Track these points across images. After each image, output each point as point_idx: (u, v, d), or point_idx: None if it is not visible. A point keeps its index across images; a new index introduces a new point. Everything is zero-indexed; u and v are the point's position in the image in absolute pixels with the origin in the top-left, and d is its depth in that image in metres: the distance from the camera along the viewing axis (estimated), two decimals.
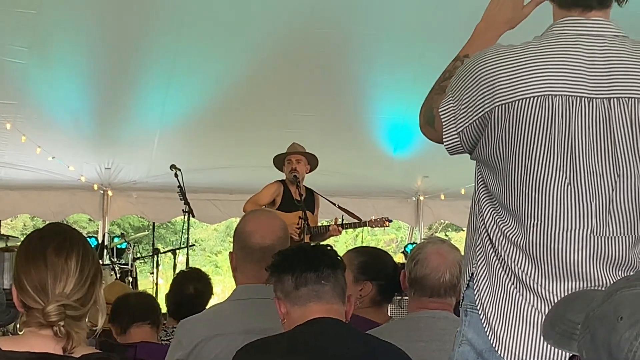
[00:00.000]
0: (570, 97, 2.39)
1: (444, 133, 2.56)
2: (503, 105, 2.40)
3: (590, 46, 2.44)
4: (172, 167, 9.40)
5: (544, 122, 2.39)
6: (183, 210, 9.57)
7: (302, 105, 10.52)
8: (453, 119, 2.53)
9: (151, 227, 13.16)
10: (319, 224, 8.97)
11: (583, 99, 2.39)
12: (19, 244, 7.87)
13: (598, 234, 2.40)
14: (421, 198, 12.62)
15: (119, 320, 4.77)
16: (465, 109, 2.49)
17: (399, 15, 9.25)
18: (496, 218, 2.50)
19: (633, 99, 2.40)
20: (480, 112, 2.45)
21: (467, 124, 2.50)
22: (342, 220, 8.66)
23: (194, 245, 14.11)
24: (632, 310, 1.48)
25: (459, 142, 2.55)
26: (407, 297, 4.00)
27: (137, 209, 12.30)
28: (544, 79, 2.39)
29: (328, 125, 10.65)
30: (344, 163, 10.89)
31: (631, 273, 2.40)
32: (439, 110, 2.58)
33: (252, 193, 8.81)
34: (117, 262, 11.21)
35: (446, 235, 22.55)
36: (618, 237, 2.41)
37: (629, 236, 2.42)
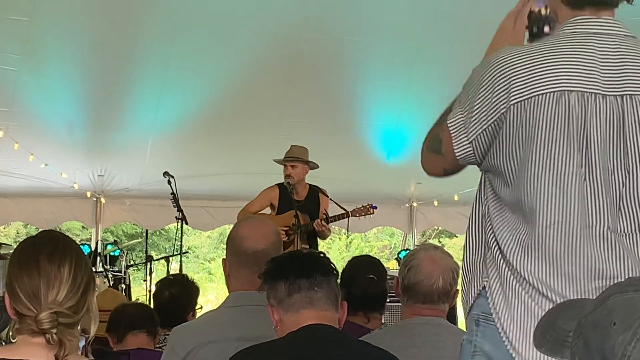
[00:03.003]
0: (585, 94, 2.42)
1: (454, 143, 2.55)
2: (519, 104, 2.41)
3: (602, 44, 2.48)
4: (165, 174, 9.39)
5: (560, 118, 2.41)
6: (176, 217, 9.56)
7: (295, 112, 10.53)
8: (464, 128, 2.53)
9: (144, 234, 13.13)
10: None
11: (597, 95, 2.42)
12: (11, 251, 7.85)
13: (614, 231, 2.42)
14: (414, 204, 12.63)
15: (115, 329, 4.78)
16: (477, 115, 2.49)
17: (392, 22, 9.27)
18: (508, 229, 2.49)
19: (625, 96, 2.44)
20: (495, 115, 2.45)
21: (480, 130, 2.49)
22: (326, 215, 8.60)
23: (187, 252, 14.12)
24: (625, 315, 1.48)
25: (471, 151, 2.53)
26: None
27: (130, 216, 12.29)
28: (559, 75, 2.42)
29: (321, 132, 10.65)
30: (337, 169, 10.89)
31: None
32: (448, 123, 2.58)
33: (245, 200, 8.81)
34: (110, 269, 11.20)
35: (439, 241, 22.58)
36: (627, 234, 2.43)
37: (636, 234, 2.44)
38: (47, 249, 2.49)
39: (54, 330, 2.38)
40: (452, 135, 2.55)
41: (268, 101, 10.41)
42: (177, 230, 9.82)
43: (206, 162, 11.10)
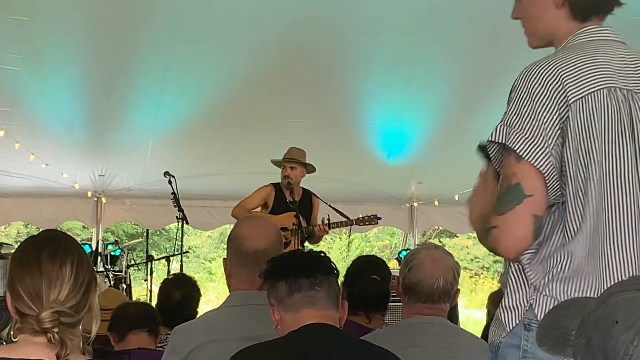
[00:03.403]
0: (627, 90, 2.49)
1: (538, 161, 2.39)
2: (577, 102, 2.42)
3: (615, 50, 2.56)
4: (166, 174, 9.39)
5: (615, 111, 2.45)
6: (177, 217, 9.57)
7: (295, 112, 10.53)
8: (534, 145, 2.40)
9: (145, 234, 13.14)
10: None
11: (634, 92, 2.50)
12: (12, 251, 7.86)
13: None
14: (415, 204, 12.62)
15: (117, 328, 4.79)
16: (541, 126, 2.41)
17: (393, 21, 9.27)
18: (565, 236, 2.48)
19: None
20: (559, 117, 2.42)
21: (552, 136, 2.42)
22: (329, 219, 8.63)
23: (187, 252, 14.12)
24: (628, 314, 1.48)
25: (552, 163, 2.42)
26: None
27: (130, 216, 12.29)
28: (602, 74, 2.47)
29: (321, 132, 10.65)
30: (338, 169, 10.89)
31: None
32: (518, 150, 2.40)
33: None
34: (111, 269, 11.20)
35: (440, 241, 22.59)
36: None
37: None
38: (49, 249, 2.49)
39: (56, 330, 2.38)
40: (529, 155, 2.40)
41: (268, 101, 10.41)
42: (177, 230, 9.82)
43: (207, 162, 11.10)
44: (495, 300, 6.89)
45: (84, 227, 19.07)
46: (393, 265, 10.57)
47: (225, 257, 3.74)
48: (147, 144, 10.73)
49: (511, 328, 2.46)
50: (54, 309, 2.38)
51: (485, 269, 26.28)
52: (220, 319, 3.58)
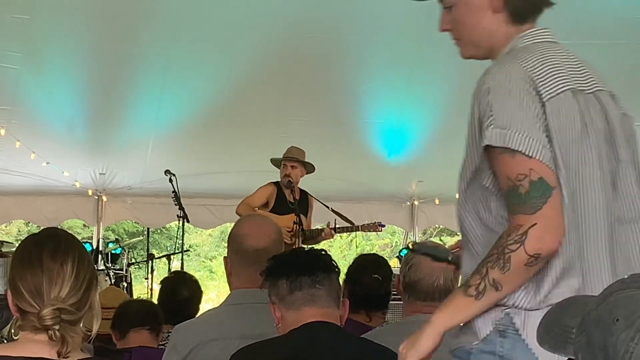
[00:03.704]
0: (582, 91, 2.50)
1: (544, 157, 2.34)
2: (550, 102, 2.41)
3: (560, 51, 2.56)
4: (167, 172, 9.39)
5: (579, 113, 2.45)
6: (178, 215, 9.56)
7: (296, 110, 10.53)
8: (539, 143, 2.35)
9: (146, 232, 13.14)
10: (312, 227, 8.99)
11: (586, 92, 2.51)
12: (13, 249, 7.86)
13: (617, 221, 2.50)
14: (416, 203, 12.62)
15: (119, 326, 4.79)
16: (535, 123, 2.38)
17: (392, 19, 9.27)
18: None
19: (606, 92, 2.57)
20: (543, 114, 2.40)
21: (544, 136, 2.37)
22: (335, 224, 8.67)
23: (188, 250, 14.10)
24: (628, 312, 1.48)
25: (553, 160, 2.38)
26: None
27: (131, 215, 12.28)
28: (563, 76, 2.47)
29: (322, 130, 10.65)
30: (338, 168, 10.90)
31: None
32: (524, 149, 2.34)
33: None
34: (112, 267, 11.21)
35: (441, 239, 22.53)
36: (627, 222, 2.52)
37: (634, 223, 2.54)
38: (50, 246, 2.49)
39: (57, 327, 2.38)
40: (536, 154, 2.34)
41: (269, 99, 10.41)
42: (178, 228, 9.82)
43: (207, 161, 11.10)
44: None
45: (84, 225, 19.08)
46: (394, 264, 10.57)
47: (226, 255, 3.75)
48: (148, 142, 10.74)
49: (485, 335, 2.42)
50: (55, 306, 2.38)
51: None
52: (221, 318, 3.58)
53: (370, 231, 9.23)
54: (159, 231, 22.94)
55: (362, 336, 3.42)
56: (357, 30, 9.55)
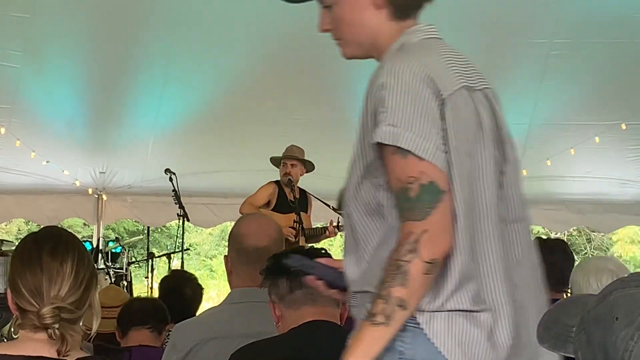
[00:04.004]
0: (471, 88, 2.43)
1: (436, 159, 2.27)
2: (448, 99, 2.33)
3: (447, 47, 2.51)
4: (167, 171, 9.39)
5: (474, 111, 2.40)
6: (178, 214, 9.57)
7: (296, 109, 10.52)
8: (432, 144, 2.27)
9: (146, 231, 13.14)
10: (314, 226, 9.00)
11: (473, 89, 2.44)
12: (13, 248, 7.86)
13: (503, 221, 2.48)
14: None
15: (121, 324, 4.80)
16: (430, 123, 2.29)
17: None
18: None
19: (490, 89, 2.51)
20: (440, 113, 2.31)
21: (440, 136, 2.31)
22: (338, 222, 8.68)
23: (188, 249, 14.10)
24: (628, 310, 1.49)
25: (446, 161, 2.30)
26: None
27: (131, 213, 12.28)
28: (456, 73, 2.41)
29: (322, 129, 10.64)
30: (338, 167, 10.79)
31: None
32: (415, 150, 2.25)
33: (247, 197, 8.81)
34: (112, 266, 11.21)
35: None
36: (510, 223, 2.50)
37: (517, 223, 2.53)
38: (50, 245, 2.50)
39: (56, 326, 2.39)
40: (428, 156, 2.27)
41: (269, 99, 10.40)
42: (178, 227, 9.83)
43: (208, 159, 11.10)
44: None
45: (84, 224, 19.05)
46: None
47: (227, 254, 3.75)
48: (148, 141, 10.73)
49: None
50: (54, 305, 2.39)
51: None
52: (221, 316, 3.58)
53: None
54: (159, 230, 22.92)
55: None
56: None
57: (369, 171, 2.40)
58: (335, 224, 8.69)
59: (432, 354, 2.27)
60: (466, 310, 2.30)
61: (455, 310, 2.29)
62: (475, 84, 2.45)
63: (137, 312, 4.82)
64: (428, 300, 2.27)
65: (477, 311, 2.31)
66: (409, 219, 2.24)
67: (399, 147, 2.26)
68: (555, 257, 4.97)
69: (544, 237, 7.34)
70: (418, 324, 2.28)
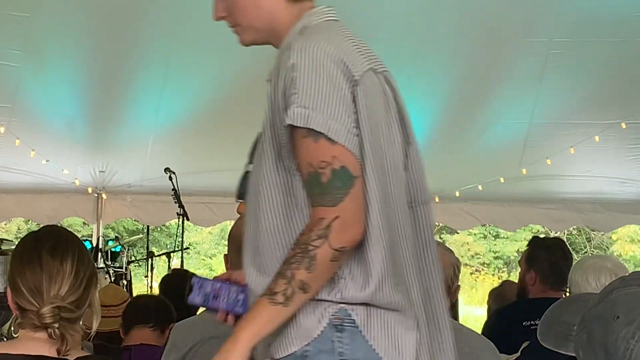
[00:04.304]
0: (376, 70, 2.37)
1: (349, 142, 2.21)
2: (359, 81, 2.27)
3: (348, 30, 2.45)
4: (167, 170, 9.38)
5: (381, 93, 2.36)
6: (177, 213, 9.56)
7: None
8: (344, 127, 2.22)
9: (145, 230, 13.13)
10: None
11: (376, 72, 2.37)
12: (13, 247, 7.86)
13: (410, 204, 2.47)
14: None
15: (123, 322, 4.80)
16: (343, 106, 2.24)
17: (392, 18, 9.26)
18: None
19: (388, 72, 2.44)
20: (352, 95, 2.26)
21: (353, 119, 2.24)
22: None
23: (188, 248, 14.10)
24: (628, 309, 1.49)
25: (358, 145, 2.24)
26: None
27: (131, 212, 12.26)
28: (362, 54, 2.35)
29: None
30: None
31: None
32: (328, 133, 2.19)
33: None
34: (112, 265, 11.21)
35: (440, 237, 22.57)
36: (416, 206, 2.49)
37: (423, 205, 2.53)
38: (50, 244, 2.50)
39: (56, 325, 2.39)
40: (340, 139, 2.21)
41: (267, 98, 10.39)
42: (178, 226, 9.82)
43: (207, 158, 11.08)
44: (496, 297, 6.89)
45: (84, 223, 19.06)
46: None
47: (226, 253, 3.74)
48: (148, 140, 10.72)
49: (319, 332, 2.23)
50: (54, 304, 2.39)
51: (485, 265, 26.28)
52: None
53: None
54: (158, 229, 22.93)
55: None
56: (357, 29, 9.53)
57: (280, 154, 2.33)
58: None
59: (371, 354, 2.24)
60: (394, 310, 2.27)
61: (387, 309, 2.26)
62: (377, 66, 2.38)
63: (139, 310, 4.81)
64: (356, 289, 2.22)
65: (400, 310, 2.28)
66: (321, 204, 2.18)
67: (310, 130, 2.20)
68: (554, 256, 4.97)
69: (542, 236, 7.34)
70: (354, 321, 2.23)
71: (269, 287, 2.18)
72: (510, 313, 5.12)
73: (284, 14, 2.48)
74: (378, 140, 2.29)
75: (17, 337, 2.50)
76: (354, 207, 2.18)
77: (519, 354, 3.58)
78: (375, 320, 2.25)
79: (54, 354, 2.40)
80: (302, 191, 2.29)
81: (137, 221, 14.70)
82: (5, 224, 21.03)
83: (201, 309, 4.93)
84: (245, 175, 2.50)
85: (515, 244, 23.38)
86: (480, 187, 10.50)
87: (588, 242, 24.43)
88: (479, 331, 4.62)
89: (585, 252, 23.66)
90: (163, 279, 5.99)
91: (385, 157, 2.31)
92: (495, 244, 25.77)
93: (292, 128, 2.24)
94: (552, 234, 16.45)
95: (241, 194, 2.65)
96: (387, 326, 2.26)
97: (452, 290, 3.75)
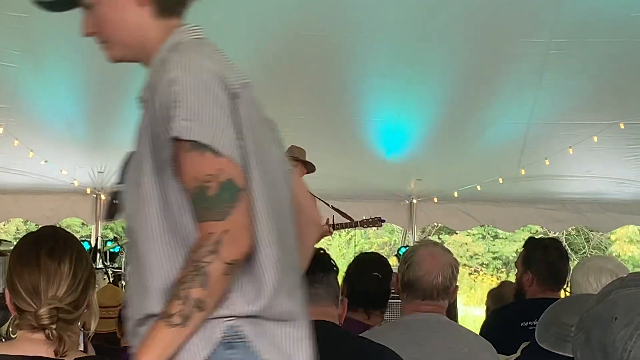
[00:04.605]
0: (245, 84, 2.37)
1: (234, 155, 2.19)
2: (237, 95, 2.28)
3: (215, 46, 2.47)
4: None
5: (255, 108, 2.37)
6: None
7: (294, 109, 10.50)
8: (229, 139, 2.21)
9: None
10: None
11: (247, 85, 2.37)
12: (11, 248, 7.86)
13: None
14: (414, 201, 12.60)
15: (122, 322, 4.79)
16: (227, 118, 2.23)
17: (391, 17, 9.26)
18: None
19: (251, 87, 2.41)
20: (234, 108, 2.26)
21: (234, 131, 2.24)
22: (333, 220, 8.65)
23: None
24: (627, 310, 1.48)
25: (242, 157, 2.23)
26: None
27: None
28: (232, 70, 2.36)
29: (321, 128, 10.64)
30: (337, 166, 10.88)
31: None
32: (213, 145, 2.17)
33: None
34: (110, 265, 11.19)
35: (439, 238, 22.58)
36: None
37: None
38: (48, 245, 2.49)
39: (54, 326, 2.38)
40: (226, 152, 2.18)
41: (267, 98, 10.29)
42: None
43: None
44: (494, 297, 6.89)
45: (83, 224, 19.05)
46: (393, 262, 10.58)
47: None
48: None
49: (211, 352, 2.17)
50: (52, 305, 2.38)
51: (484, 265, 26.29)
52: None
53: (370, 227, 9.19)
54: None
55: (360, 335, 3.42)
56: (356, 28, 9.54)
57: (163, 170, 2.27)
58: (330, 222, 8.67)
59: None
60: (285, 320, 2.27)
61: (277, 321, 2.25)
62: (243, 79, 2.37)
63: None
64: (246, 303, 2.20)
65: (291, 320, 2.29)
66: (208, 219, 2.14)
67: (195, 142, 2.17)
68: (550, 257, 4.97)
69: (537, 237, 7.33)
70: (244, 337, 2.20)
71: (163, 311, 2.13)
72: (509, 314, 5.11)
73: (152, 29, 2.50)
74: (262, 151, 2.30)
75: (15, 338, 2.49)
76: (242, 219, 2.15)
77: (518, 353, 3.58)
78: (265, 334, 2.23)
79: (51, 355, 2.40)
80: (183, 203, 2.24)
81: None
82: (4, 225, 21.02)
83: None
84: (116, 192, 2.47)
85: (514, 245, 23.37)
86: (479, 188, 10.50)
87: (587, 242, 24.44)
88: (478, 332, 4.63)
89: (584, 252, 23.66)
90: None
91: (269, 168, 2.32)
92: (494, 245, 25.79)
93: (176, 142, 2.21)
94: (551, 234, 16.46)
95: (110, 214, 2.60)
96: (278, 339, 2.25)
97: (450, 291, 3.75)
